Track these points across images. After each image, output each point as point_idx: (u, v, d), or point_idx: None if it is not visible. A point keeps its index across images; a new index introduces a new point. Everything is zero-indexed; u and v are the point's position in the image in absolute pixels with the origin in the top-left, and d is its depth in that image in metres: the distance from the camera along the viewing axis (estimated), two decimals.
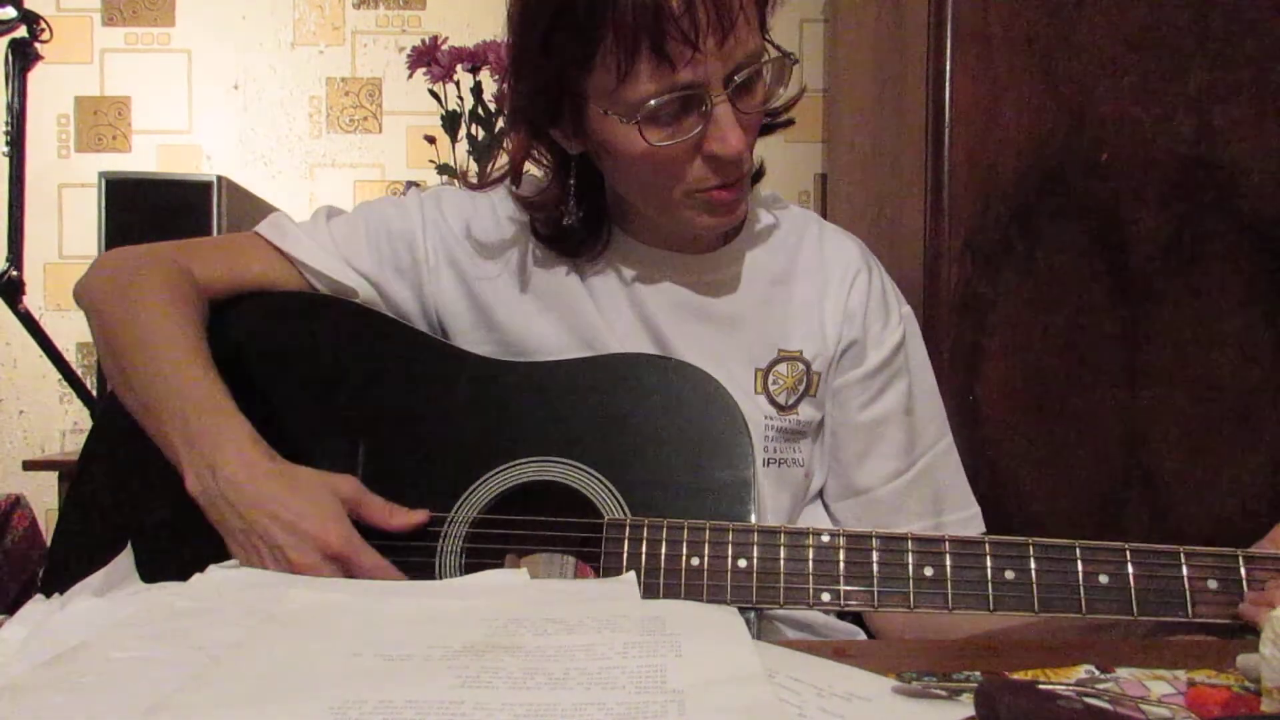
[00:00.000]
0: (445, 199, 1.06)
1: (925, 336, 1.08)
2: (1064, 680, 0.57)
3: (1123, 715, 0.51)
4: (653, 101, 0.84)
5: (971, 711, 0.51)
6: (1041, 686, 0.53)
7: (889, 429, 1.01)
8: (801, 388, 0.99)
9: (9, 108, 1.87)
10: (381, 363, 0.97)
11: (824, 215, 2.47)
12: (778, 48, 0.91)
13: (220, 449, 0.82)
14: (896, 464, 1.01)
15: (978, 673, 0.57)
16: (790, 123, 1.02)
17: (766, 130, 1.00)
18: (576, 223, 0.98)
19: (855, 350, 1.01)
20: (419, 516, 0.85)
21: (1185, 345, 1.57)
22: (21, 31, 1.84)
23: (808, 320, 1.01)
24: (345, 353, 0.98)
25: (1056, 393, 1.58)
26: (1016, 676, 0.58)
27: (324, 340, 1.00)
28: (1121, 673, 0.58)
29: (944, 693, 0.55)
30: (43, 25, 1.85)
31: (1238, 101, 1.56)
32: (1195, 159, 1.56)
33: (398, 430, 0.93)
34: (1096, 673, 0.58)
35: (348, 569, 0.79)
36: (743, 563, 0.78)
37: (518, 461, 0.88)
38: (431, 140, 2.05)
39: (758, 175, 1.02)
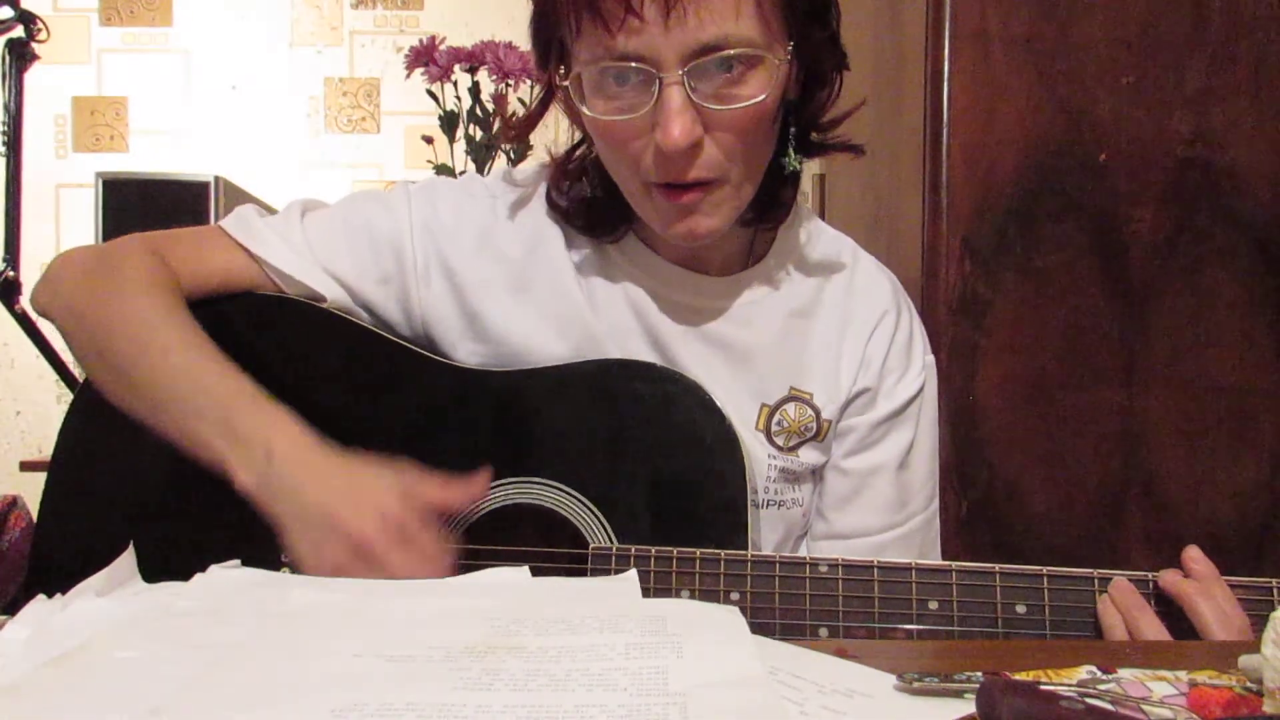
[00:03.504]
0: (440, 193, 0.97)
1: None
2: (1066, 681, 0.57)
3: (1125, 716, 0.51)
4: (594, 66, 0.78)
5: (973, 709, 0.51)
6: (1043, 687, 0.53)
7: (878, 481, 0.95)
8: (809, 435, 0.93)
9: (6, 108, 1.86)
10: (354, 378, 0.92)
11: (822, 215, 2.46)
12: (801, 46, 0.80)
13: (274, 438, 0.79)
14: (881, 519, 0.95)
15: (979, 673, 0.57)
16: (858, 149, 0.93)
17: (820, 149, 0.92)
18: (596, 191, 0.91)
19: (866, 398, 0.95)
20: (479, 484, 0.82)
21: (1183, 345, 1.58)
22: (18, 31, 1.84)
23: (825, 361, 0.94)
24: (316, 367, 0.93)
25: (1055, 393, 1.58)
26: (1018, 677, 0.58)
27: (292, 354, 0.93)
28: (1123, 673, 0.58)
29: (946, 689, 0.55)
30: (40, 25, 1.85)
31: (1236, 102, 1.56)
32: (1193, 159, 1.57)
33: (372, 452, 0.86)
34: (1098, 673, 0.58)
35: (406, 539, 0.75)
36: (736, 595, 0.75)
37: (498, 483, 0.84)
38: (429, 140, 2.05)
39: (790, 182, 0.91)
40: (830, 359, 0.94)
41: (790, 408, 0.93)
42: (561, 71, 0.83)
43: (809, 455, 0.94)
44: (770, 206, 0.92)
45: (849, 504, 0.95)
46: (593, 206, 0.92)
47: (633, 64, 0.77)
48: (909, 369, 0.96)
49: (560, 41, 0.83)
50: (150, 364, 0.85)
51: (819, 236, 0.99)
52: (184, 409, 0.83)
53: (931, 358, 0.99)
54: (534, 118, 0.93)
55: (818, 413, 0.93)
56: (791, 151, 0.88)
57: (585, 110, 0.81)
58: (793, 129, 0.88)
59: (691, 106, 0.77)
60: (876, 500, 0.95)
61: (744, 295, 0.94)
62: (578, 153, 0.94)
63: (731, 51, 0.77)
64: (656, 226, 0.87)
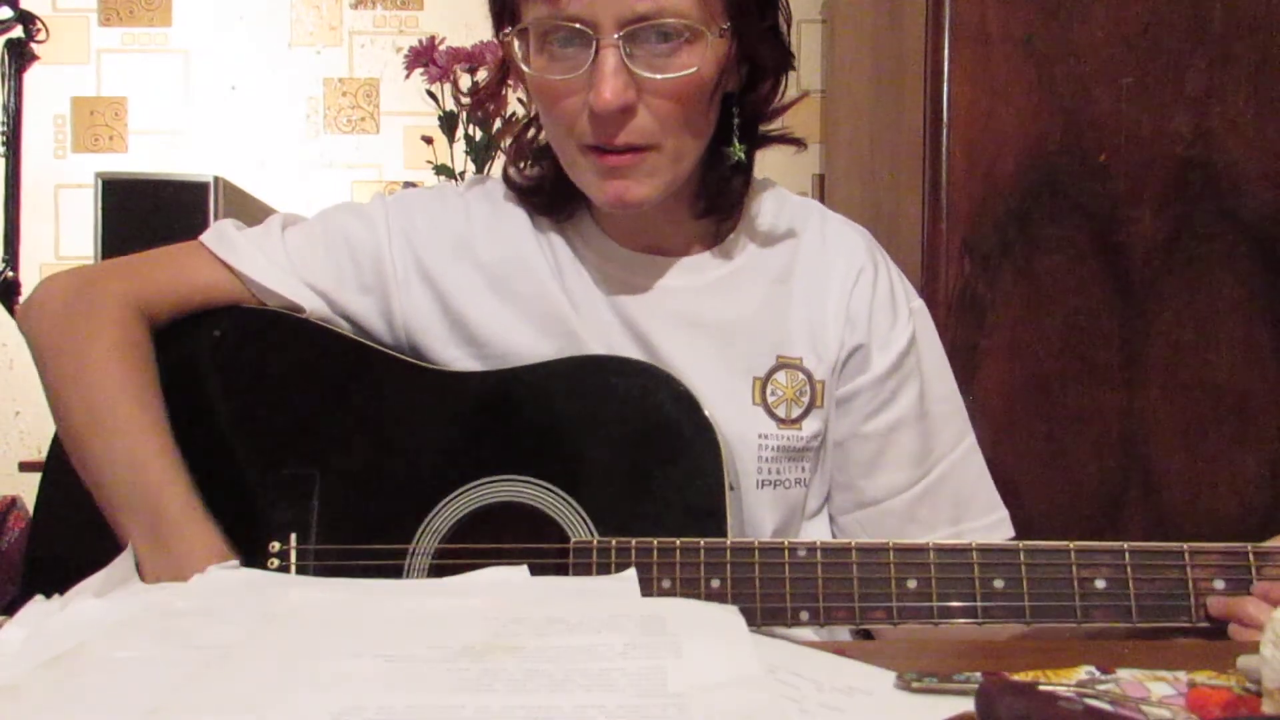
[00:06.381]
0: (413, 203, 1.00)
1: None
2: (1064, 681, 0.57)
3: (1123, 716, 0.50)
4: (538, 25, 0.82)
5: (971, 706, 0.51)
6: (1042, 688, 0.53)
7: (900, 437, 0.94)
8: (806, 400, 0.93)
9: (5, 108, 1.87)
10: (335, 383, 0.92)
11: None
12: (737, 30, 0.84)
13: (189, 562, 0.79)
14: (909, 474, 0.95)
15: (978, 673, 0.57)
16: (799, 143, 0.96)
17: (762, 141, 0.95)
18: (551, 169, 0.93)
19: (860, 355, 0.94)
20: None
21: (1183, 346, 1.58)
22: (18, 32, 1.84)
23: (809, 324, 0.94)
24: (298, 374, 0.94)
25: (1055, 393, 1.58)
26: (1017, 677, 0.58)
27: (276, 361, 0.94)
28: (1122, 674, 0.58)
29: (945, 689, 0.55)
30: (39, 25, 1.85)
31: (1236, 102, 1.56)
32: (1193, 160, 1.57)
33: (354, 456, 0.89)
34: (1097, 674, 0.58)
35: None
36: (716, 583, 0.75)
37: (479, 482, 0.85)
38: (429, 141, 2.05)
39: (739, 172, 0.93)
40: (815, 320, 0.94)
41: (781, 375, 0.93)
42: (508, 30, 0.87)
43: (811, 425, 0.93)
44: (720, 195, 0.94)
45: (875, 466, 0.95)
46: (546, 183, 0.95)
47: (574, 25, 0.80)
48: (896, 319, 0.96)
49: (513, 6, 0.86)
50: (99, 444, 0.87)
51: (785, 203, 1.00)
52: (119, 499, 0.84)
53: (919, 302, 0.99)
54: (491, 85, 0.97)
55: (810, 376, 0.93)
56: (735, 141, 0.90)
57: (526, 69, 0.85)
58: (736, 119, 0.90)
59: (625, 71, 0.81)
60: (901, 456, 0.94)
61: (719, 270, 0.95)
62: (532, 130, 0.97)
63: (666, 21, 0.80)
64: (590, 192, 0.89)
